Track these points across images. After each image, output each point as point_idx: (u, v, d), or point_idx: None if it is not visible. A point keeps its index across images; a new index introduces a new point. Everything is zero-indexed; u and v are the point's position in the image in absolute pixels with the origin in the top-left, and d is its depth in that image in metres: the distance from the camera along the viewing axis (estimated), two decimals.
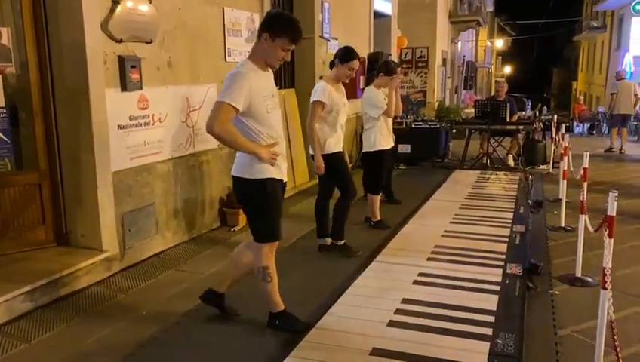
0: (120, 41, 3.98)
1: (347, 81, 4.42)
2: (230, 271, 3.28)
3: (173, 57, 4.54)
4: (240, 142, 2.85)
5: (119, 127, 4.05)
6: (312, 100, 4.24)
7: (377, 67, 5.41)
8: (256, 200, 2.98)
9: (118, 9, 3.91)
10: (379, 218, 5.30)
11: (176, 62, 4.57)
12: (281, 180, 3.04)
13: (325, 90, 4.21)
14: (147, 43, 4.22)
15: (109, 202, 3.98)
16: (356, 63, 4.31)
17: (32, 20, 3.75)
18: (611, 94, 11.66)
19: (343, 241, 4.49)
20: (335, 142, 4.33)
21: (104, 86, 3.87)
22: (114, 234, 4.04)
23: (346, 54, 4.31)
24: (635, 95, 11.01)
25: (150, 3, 4.17)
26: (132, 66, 4.06)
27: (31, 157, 3.92)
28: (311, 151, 4.29)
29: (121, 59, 3.99)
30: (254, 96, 2.83)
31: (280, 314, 3.11)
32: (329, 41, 7.67)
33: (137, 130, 4.22)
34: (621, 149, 10.89)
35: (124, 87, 4.03)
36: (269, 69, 3.00)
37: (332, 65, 4.39)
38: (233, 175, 3.03)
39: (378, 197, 5.31)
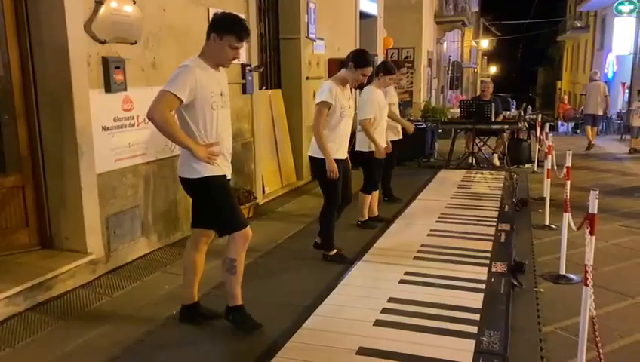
0: (104, 42, 3.95)
1: (355, 86, 4.34)
2: (188, 278, 3.24)
3: (158, 58, 4.52)
4: (178, 135, 2.86)
5: (103, 128, 4.03)
6: (317, 101, 4.14)
7: (376, 68, 5.37)
8: (206, 197, 3.01)
9: (102, 10, 3.88)
10: (366, 217, 5.32)
11: (160, 63, 4.54)
12: (224, 175, 3.05)
13: (332, 91, 4.08)
14: (131, 44, 4.19)
15: (94, 204, 3.95)
16: (369, 70, 4.18)
17: (14, 21, 3.71)
18: (581, 95, 11.96)
19: (333, 252, 4.34)
20: (336, 149, 4.17)
21: (88, 87, 3.84)
22: (99, 237, 4.01)
23: (360, 59, 4.14)
24: (605, 96, 11.33)
25: (134, 4, 4.15)
26: (116, 67, 4.03)
27: (14, 159, 3.87)
28: (310, 153, 4.20)
29: (105, 60, 3.96)
30: (200, 91, 2.87)
31: (235, 309, 3.13)
32: (315, 41, 7.68)
33: (122, 131, 4.19)
34: (589, 145, 11.21)
35: (108, 89, 4.00)
36: (220, 68, 3.05)
37: (343, 65, 4.26)
38: (179, 176, 3.05)
39: (369, 197, 5.29)
